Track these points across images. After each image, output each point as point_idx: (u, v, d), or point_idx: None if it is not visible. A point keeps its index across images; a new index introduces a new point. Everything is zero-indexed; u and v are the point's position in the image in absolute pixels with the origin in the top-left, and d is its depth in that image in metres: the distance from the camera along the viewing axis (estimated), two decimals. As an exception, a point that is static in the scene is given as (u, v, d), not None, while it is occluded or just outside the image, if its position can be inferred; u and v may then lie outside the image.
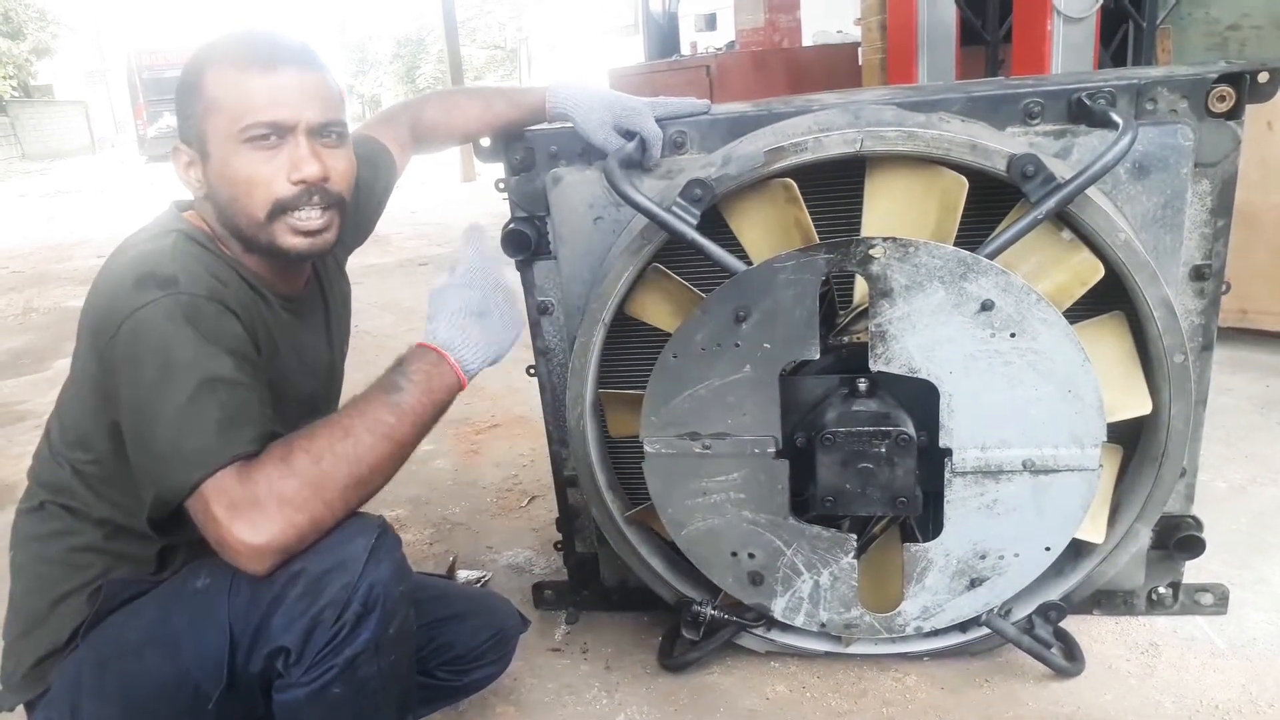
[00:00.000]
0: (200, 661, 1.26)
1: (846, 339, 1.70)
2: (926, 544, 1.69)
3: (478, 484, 2.96)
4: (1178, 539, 1.83)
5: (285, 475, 1.19)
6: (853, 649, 1.89)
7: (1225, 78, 1.58)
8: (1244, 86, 1.59)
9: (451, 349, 1.34)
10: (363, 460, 1.23)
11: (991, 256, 1.51)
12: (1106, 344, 1.64)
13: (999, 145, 1.52)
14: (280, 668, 1.24)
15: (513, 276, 1.42)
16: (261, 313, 1.39)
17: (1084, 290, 1.59)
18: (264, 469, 1.19)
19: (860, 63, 6.15)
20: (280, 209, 1.34)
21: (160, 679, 1.29)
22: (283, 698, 1.25)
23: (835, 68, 6.61)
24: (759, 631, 1.90)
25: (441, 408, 1.32)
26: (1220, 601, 1.96)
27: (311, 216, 1.36)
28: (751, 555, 1.75)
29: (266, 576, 1.21)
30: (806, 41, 7.73)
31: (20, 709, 1.44)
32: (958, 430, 1.60)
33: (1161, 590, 1.94)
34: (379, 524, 1.27)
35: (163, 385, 1.21)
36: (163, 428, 1.20)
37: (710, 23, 11.22)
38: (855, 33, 6.46)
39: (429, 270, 6.82)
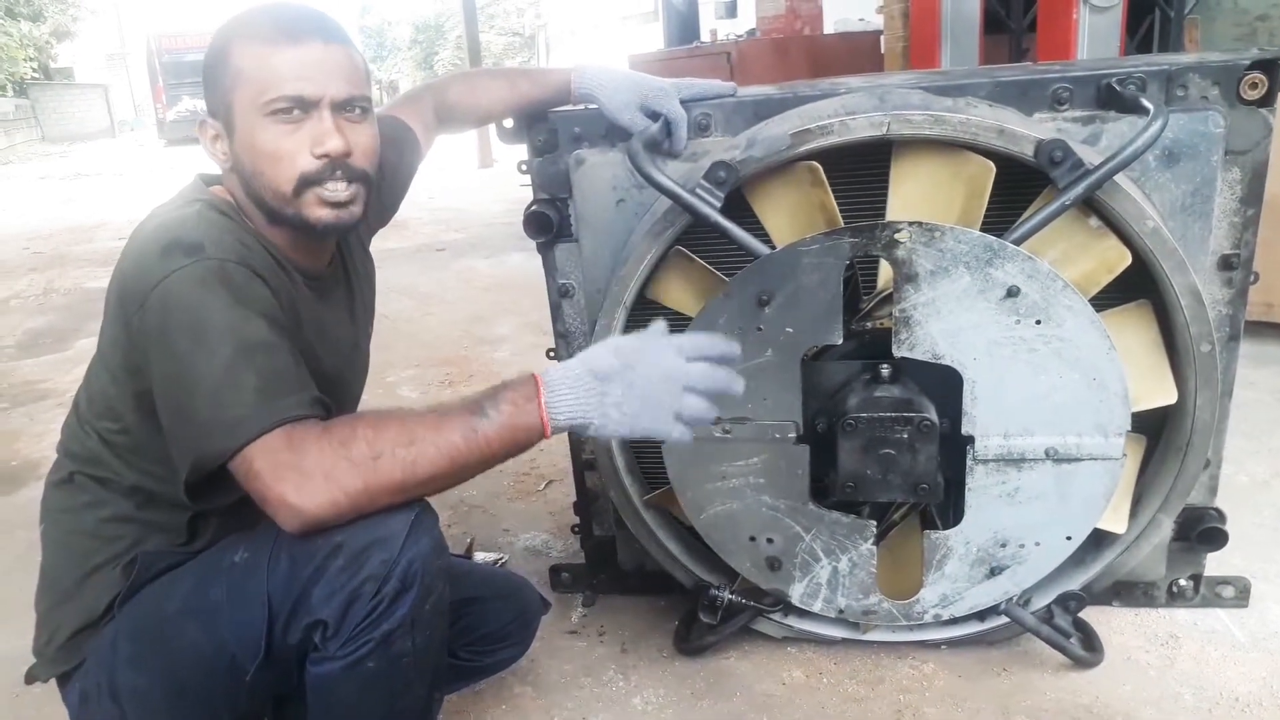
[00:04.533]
0: (238, 633, 1.27)
1: (870, 324, 1.69)
2: (947, 531, 1.68)
3: (495, 467, 2.96)
4: (1200, 531, 1.82)
5: (339, 458, 1.18)
6: (870, 636, 1.89)
7: (1258, 64, 1.56)
8: (1277, 73, 1.56)
9: (549, 389, 1.22)
10: (418, 473, 1.21)
11: (1018, 242, 1.50)
12: (1132, 332, 1.63)
13: (1027, 130, 1.50)
14: (317, 640, 1.25)
15: (681, 384, 1.22)
16: (285, 284, 1.39)
17: (1111, 278, 1.58)
18: (319, 442, 1.18)
19: (883, 51, 6.11)
20: (306, 183, 1.34)
21: (197, 650, 1.30)
22: (317, 670, 1.26)
23: (857, 56, 6.55)
24: (776, 617, 1.90)
25: (518, 447, 1.24)
26: (1241, 594, 1.95)
27: (338, 189, 1.36)
28: (770, 540, 1.74)
29: (308, 547, 1.22)
30: (828, 29, 7.68)
31: (53, 682, 1.46)
32: (981, 417, 1.59)
33: (1182, 582, 1.93)
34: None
35: (197, 353, 1.21)
36: (201, 395, 1.20)
37: (731, 10, 11.13)
38: (877, 21, 6.41)
39: (446, 255, 6.84)
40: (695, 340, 1.29)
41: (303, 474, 1.17)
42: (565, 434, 1.87)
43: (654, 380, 1.24)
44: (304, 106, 1.32)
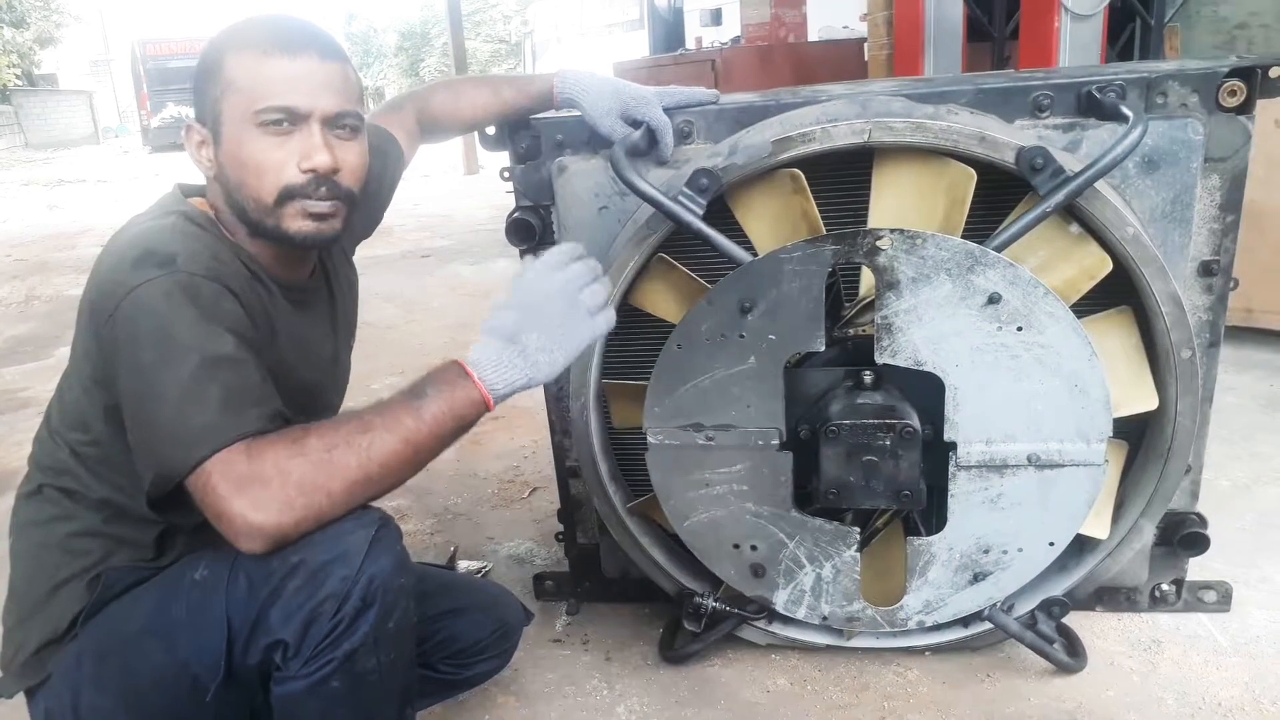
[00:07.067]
0: (198, 653, 1.25)
1: (852, 331, 1.69)
2: (930, 538, 1.68)
3: (479, 475, 2.96)
4: (1182, 536, 1.82)
5: (294, 455, 1.17)
6: (854, 643, 1.88)
7: (1236, 72, 1.57)
8: (1255, 81, 1.57)
9: (476, 368, 1.27)
10: (374, 457, 1.20)
11: (999, 249, 1.50)
12: (1114, 339, 1.63)
13: (1008, 137, 1.51)
14: (278, 660, 1.23)
15: (575, 288, 1.32)
16: (260, 297, 1.38)
17: (1092, 284, 1.58)
18: (275, 447, 1.17)
19: (866, 58, 6.13)
20: (288, 195, 1.33)
21: (158, 670, 1.28)
22: (281, 690, 1.24)
23: (841, 63, 6.57)
24: (760, 624, 1.90)
25: (464, 423, 1.27)
26: (1223, 599, 1.96)
27: (320, 204, 1.35)
28: (754, 547, 1.74)
29: (265, 567, 1.20)
30: (812, 37, 7.71)
31: (20, 696, 1.43)
32: (963, 424, 1.59)
33: (1165, 587, 1.93)
34: (379, 516, 1.26)
35: (163, 365, 1.20)
36: (165, 407, 1.19)
37: (715, 18, 11.17)
38: (861, 28, 6.43)
39: (431, 261, 6.82)
40: (556, 254, 1.36)
41: (260, 482, 1.15)
42: (550, 441, 1.88)
43: (554, 303, 1.31)
44: (294, 119, 1.31)
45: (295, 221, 1.35)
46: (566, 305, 1.31)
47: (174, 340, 1.20)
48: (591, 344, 1.37)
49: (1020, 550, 1.67)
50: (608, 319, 1.36)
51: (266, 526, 1.15)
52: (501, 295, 1.34)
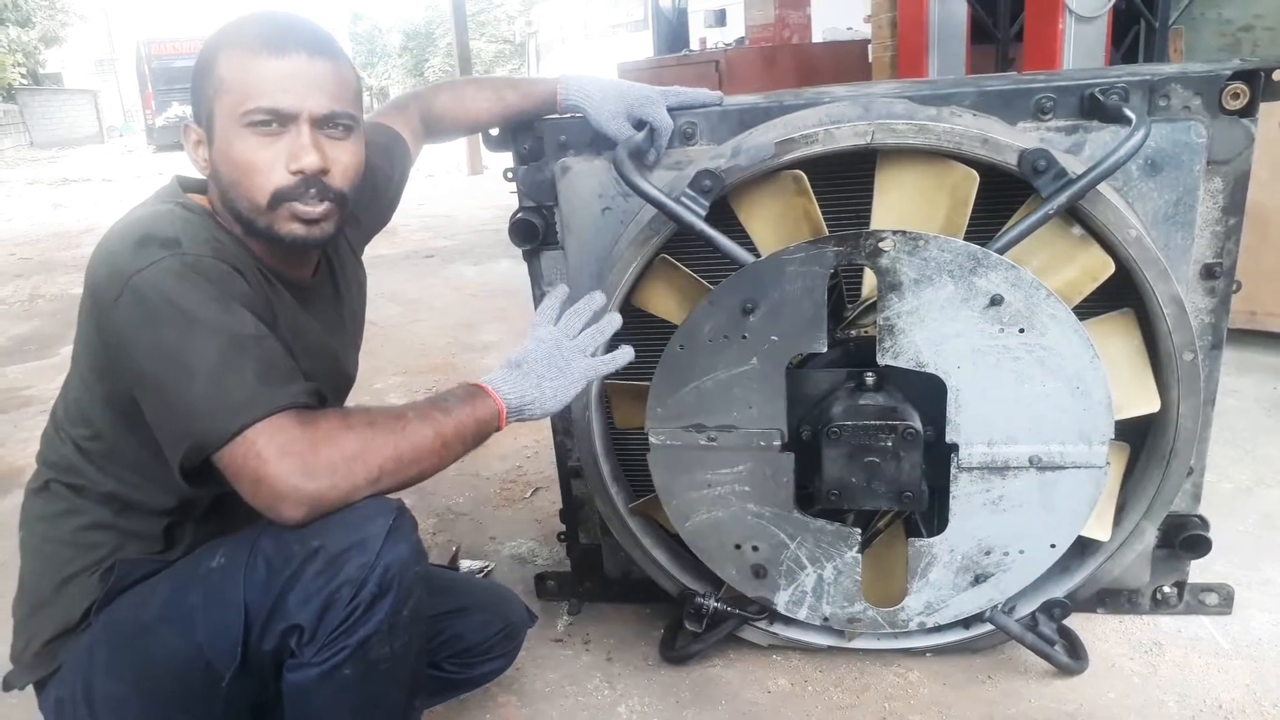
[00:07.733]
0: (214, 639, 1.26)
1: (854, 332, 1.70)
2: (931, 539, 1.68)
3: (481, 474, 2.96)
4: (1184, 538, 1.82)
5: (345, 428, 1.22)
6: (855, 644, 1.88)
7: (1239, 75, 1.57)
8: (1258, 84, 1.57)
9: (490, 384, 1.39)
10: (409, 440, 1.26)
11: (1002, 251, 1.50)
12: (1116, 341, 1.63)
13: (1011, 140, 1.51)
14: (294, 646, 1.24)
15: (568, 334, 1.49)
16: (262, 286, 1.37)
17: (1094, 286, 1.59)
18: (326, 418, 1.22)
19: (870, 60, 6.13)
20: (280, 198, 1.32)
21: (173, 657, 1.29)
22: (294, 677, 1.25)
23: (845, 64, 6.57)
24: (761, 625, 1.90)
25: (483, 428, 1.35)
26: (1225, 602, 1.96)
27: (310, 206, 1.34)
28: (755, 548, 1.74)
29: (285, 551, 1.22)
30: (816, 38, 7.70)
31: (30, 689, 1.44)
32: (965, 425, 1.59)
33: (1166, 589, 1.93)
34: (397, 505, 1.27)
35: (186, 344, 1.20)
36: (196, 383, 1.19)
37: (720, 18, 11.19)
38: (865, 30, 6.43)
39: (435, 261, 6.84)
40: (550, 300, 1.53)
41: (311, 447, 1.18)
42: (553, 441, 1.88)
43: (551, 345, 1.46)
44: (282, 120, 1.30)
45: (286, 224, 1.35)
46: (560, 349, 1.46)
47: (193, 318, 1.21)
48: (591, 380, 1.49)
49: (1022, 552, 1.67)
50: (607, 362, 1.48)
51: (308, 490, 1.18)
52: (521, 346, 1.49)
